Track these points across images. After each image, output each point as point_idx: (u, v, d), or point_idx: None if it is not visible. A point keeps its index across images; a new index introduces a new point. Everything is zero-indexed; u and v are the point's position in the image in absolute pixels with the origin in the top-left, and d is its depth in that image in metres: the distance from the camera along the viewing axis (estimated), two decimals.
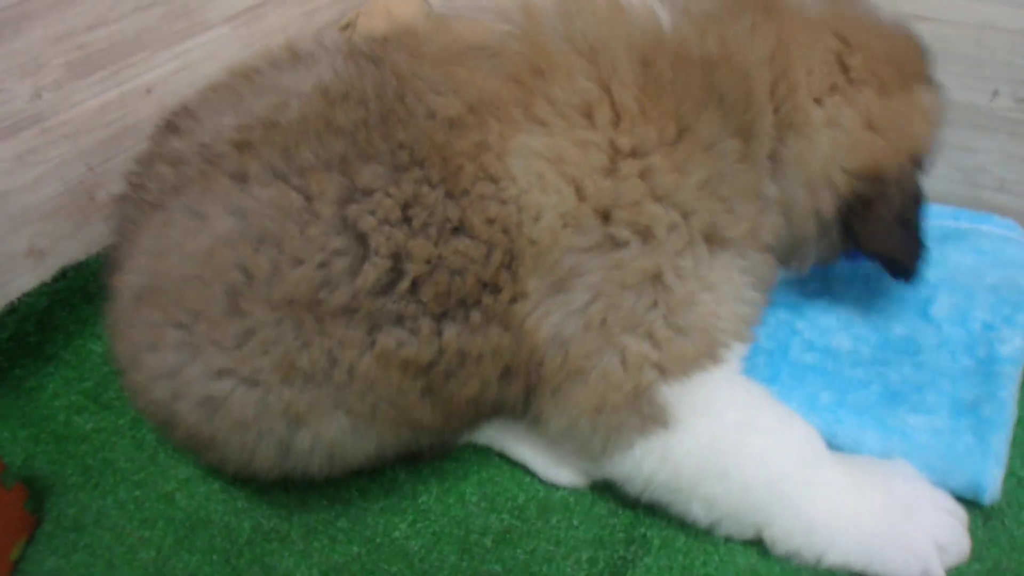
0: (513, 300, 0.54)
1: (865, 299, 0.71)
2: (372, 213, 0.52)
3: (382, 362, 0.53)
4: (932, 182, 0.79)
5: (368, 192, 0.52)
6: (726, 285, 0.56)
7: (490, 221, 0.53)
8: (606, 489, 0.61)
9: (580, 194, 0.53)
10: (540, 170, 0.53)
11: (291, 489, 0.61)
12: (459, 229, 0.53)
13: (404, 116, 0.54)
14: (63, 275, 0.76)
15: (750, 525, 0.55)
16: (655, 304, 0.54)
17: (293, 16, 0.92)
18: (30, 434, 0.69)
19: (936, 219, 0.76)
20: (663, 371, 0.54)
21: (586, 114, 0.54)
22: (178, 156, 0.58)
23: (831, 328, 0.69)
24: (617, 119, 0.54)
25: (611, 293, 0.53)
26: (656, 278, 0.54)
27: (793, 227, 0.61)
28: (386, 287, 0.52)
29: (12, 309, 0.73)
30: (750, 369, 0.65)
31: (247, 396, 0.53)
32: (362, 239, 0.52)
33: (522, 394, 0.57)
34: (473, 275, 0.53)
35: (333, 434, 0.55)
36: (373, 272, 0.52)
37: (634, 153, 0.54)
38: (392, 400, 0.55)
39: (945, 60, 0.74)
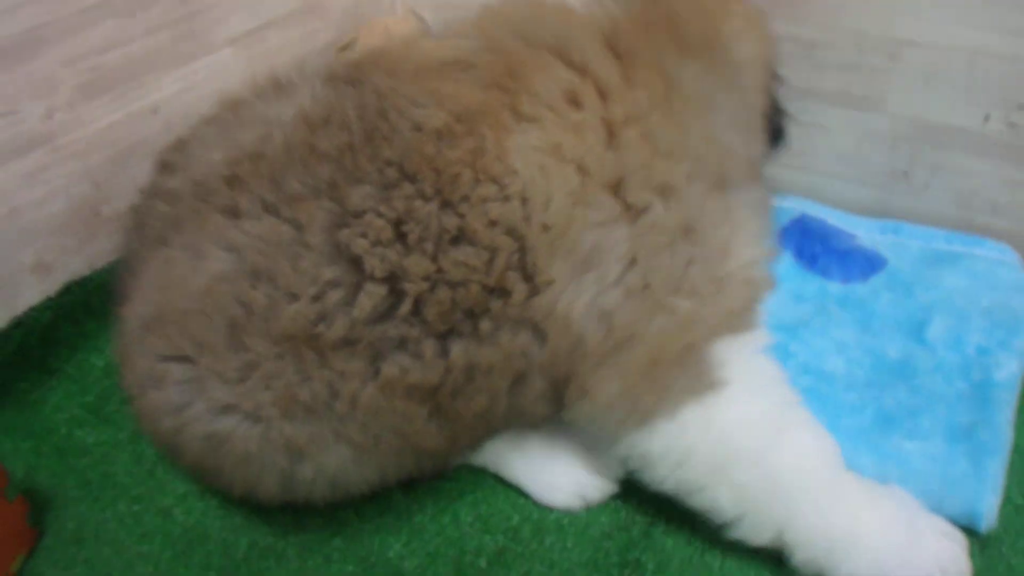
0: (533, 294, 0.53)
1: (859, 321, 0.71)
2: (364, 236, 0.52)
3: (386, 391, 0.53)
4: (925, 205, 0.81)
5: (358, 215, 0.52)
6: (747, 224, 0.57)
7: (492, 223, 0.52)
8: (601, 512, 0.61)
9: (586, 173, 0.53)
10: (541, 162, 0.53)
11: (288, 508, 0.62)
12: (458, 238, 0.52)
13: (388, 133, 0.54)
14: (68, 290, 0.78)
15: (772, 524, 0.54)
16: (692, 259, 0.54)
17: (294, 38, 0.94)
18: (32, 446, 0.70)
19: (930, 241, 0.76)
20: (712, 327, 0.54)
21: (572, 100, 0.54)
22: (174, 193, 0.59)
23: (825, 351, 0.69)
24: (603, 95, 0.55)
25: (647, 257, 0.53)
26: (688, 231, 0.54)
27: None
28: (385, 312, 0.52)
29: (18, 323, 0.74)
30: None
31: (250, 432, 0.54)
32: (356, 264, 0.52)
33: (542, 395, 0.56)
34: (477, 283, 0.52)
35: (335, 465, 0.56)
36: (369, 300, 0.52)
37: (628, 120, 0.54)
38: (396, 428, 0.55)
39: (937, 84, 0.75)
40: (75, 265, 0.78)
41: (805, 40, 0.79)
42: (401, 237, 0.52)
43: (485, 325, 0.53)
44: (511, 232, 0.53)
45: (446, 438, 0.57)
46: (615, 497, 0.62)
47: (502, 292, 0.53)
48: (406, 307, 0.52)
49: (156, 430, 0.58)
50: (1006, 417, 0.62)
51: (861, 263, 0.75)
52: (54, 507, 0.65)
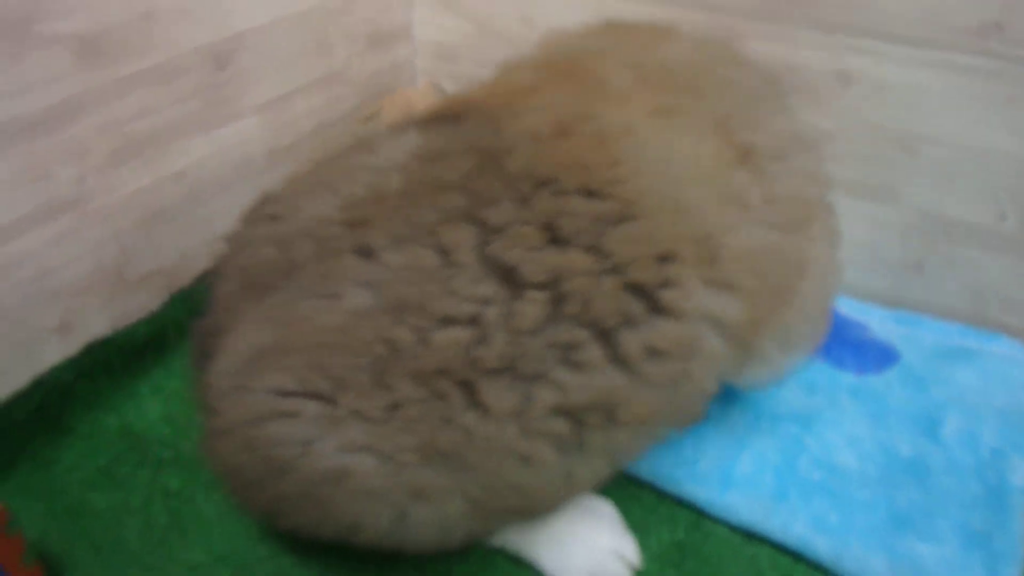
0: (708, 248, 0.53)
1: (872, 415, 0.71)
2: (516, 244, 0.51)
3: (529, 429, 0.52)
4: (938, 297, 0.82)
5: (503, 228, 0.52)
6: None
7: (644, 193, 0.52)
8: None
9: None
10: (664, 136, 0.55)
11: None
12: (619, 218, 0.52)
13: (509, 149, 0.54)
14: (88, 349, 0.79)
15: None
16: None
17: (318, 105, 0.96)
18: (45, 508, 0.70)
19: (944, 336, 0.77)
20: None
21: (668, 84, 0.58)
22: (284, 240, 0.58)
23: (838, 445, 0.69)
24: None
25: (785, 196, 0.57)
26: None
27: None
28: (549, 318, 0.51)
29: (39, 383, 0.75)
30: (758, 485, 0.66)
31: (380, 471, 0.52)
32: (511, 275, 0.51)
33: (718, 375, 0.55)
34: (649, 256, 0.52)
35: (454, 514, 0.54)
36: (532, 308, 0.50)
37: None
38: (516, 483, 0.54)
39: (953, 180, 0.76)
40: (97, 326, 0.80)
41: (824, 129, 0.80)
42: (554, 239, 0.52)
43: (667, 295, 0.52)
44: (669, 197, 0.53)
45: (567, 484, 0.55)
46: None
47: (674, 256, 0.52)
48: (572, 307, 0.51)
49: (247, 462, 0.55)
50: (1022, 525, 0.62)
51: (875, 355, 0.75)
52: (66, 572, 0.65)
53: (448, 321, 0.51)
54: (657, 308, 0.52)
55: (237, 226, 0.65)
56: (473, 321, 0.51)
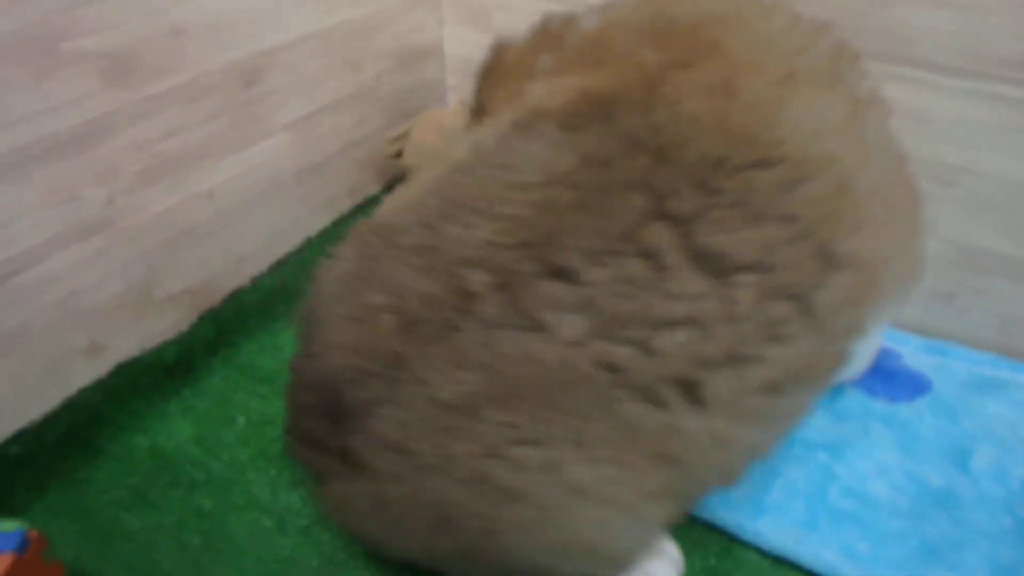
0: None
1: (902, 444, 0.72)
2: (717, 231, 0.51)
3: (746, 399, 0.52)
4: (967, 327, 0.82)
5: (694, 218, 0.51)
6: None
7: (809, 150, 0.53)
8: None
9: None
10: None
11: None
12: (795, 180, 0.52)
13: (674, 136, 0.53)
14: (118, 370, 0.79)
15: None
16: None
17: (346, 123, 0.96)
18: (78, 529, 0.71)
19: (975, 366, 0.77)
20: None
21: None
22: (440, 270, 0.54)
23: (869, 474, 0.69)
24: None
25: (882, 138, 0.60)
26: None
27: None
28: (759, 297, 0.51)
29: (69, 404, 0.75)
30: (788, 512, 0.66)
31: (620, 485, 0.52)
32: (718, 263, 0.51)
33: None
34: (825, 219, 0.52)
35: (661, 517, 0.55)
36: (747, 292, 0.50)
37: None
38: (718, 466, 0.55)
39: (987, 212, 0.76)
40: (126, 346, 0.80)
41: None
42: (751, 216, 0.52)
43: (843, 248, 0.53)
44: (824, 151, 0.54)
45: (753, 456, 0.56)
46: None
47: (841, 207, 0.54)
48: (778, 281, 0.51)
49: (484, 489, 0.52)
50: None
51: (907, 384, 0.76)
52: None
53: (669, 324, 0.50)
54: (838, 264, 0.53)
55: (348, 264, 0.59)
56: (692, 319, 0.50)
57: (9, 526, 0.64)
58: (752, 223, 0.51)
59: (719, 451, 0.53)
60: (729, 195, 0.51)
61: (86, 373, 0.77)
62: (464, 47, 1.02)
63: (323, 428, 0.58)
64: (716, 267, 0.51)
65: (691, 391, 0.51)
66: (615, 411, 0.51)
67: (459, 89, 1.06)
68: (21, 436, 0.72)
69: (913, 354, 0.79)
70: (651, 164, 0.53)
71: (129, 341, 0.80)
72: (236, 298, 0.90)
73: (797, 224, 0.52)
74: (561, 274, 0.51)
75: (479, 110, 0.76)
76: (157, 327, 0.81)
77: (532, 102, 0.61)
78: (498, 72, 0.74)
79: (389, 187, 1.06)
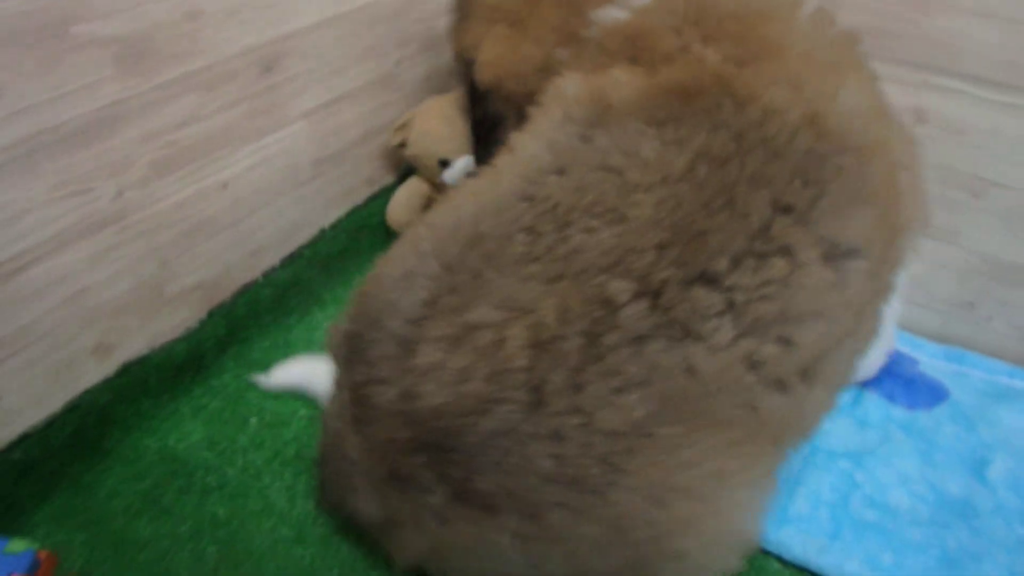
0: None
1: (922, 452, 0.73)
2: (829, 221, 0.53)
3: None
4: (986, 336, 0.83)
5: (810, 207, 0.52)
6: None
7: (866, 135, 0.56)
8: None
9: None
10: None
11: None
12: (870, 165, 0.54)
13: (769, 129, 0.53)
14: (125, 370, 0.75)
15: None
16: None
17: (364, 112, 0.92)
18: (87, 538, 0.68)
19: (993, 375, 0.78)
20: None
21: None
22: (575, 279, 0.52)
23: (890, 483, 0.70)
24: None
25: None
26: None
27: None
28: (869, 279, 0.55)
29: (74, 406, 0.71)
30: (812, 522, 0.67)
31: (753, 468, 0.55)
32: (835, 250, 0.53)
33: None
34: (896, 198, 0.56)
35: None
36: (856, 276, 0.54)
37: None
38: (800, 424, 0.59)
39: (1014, 225, 0.77)
40: (135, 345, 0.76)
41: None
42: (859, 201, 0.54)
43: (902, 220, 0.57)
44: (878, 135, 0.57)
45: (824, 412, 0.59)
46: None
47: (897, 183, 0.57)
48: (875, 258, 0.54)
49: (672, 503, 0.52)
50: None
51: (925, 392, 0.77)
52: None
53: (808, 317, 0.52)
54: (901, 232, 0.57)
55: (427, 280, 0.56)
56: (823, 310, 0.52)
57: (18, 547, 0.61)
58: (862, 207, 0.54)
59: (814, 417, 0.58)
60: (827, 185, 0.53)
61: (94, 374, 0.73)
62: None
63: (424, 467, 0.53)
64: (834, 256, 0.53)
65: (808, 373, 0.54)
66: (755, 407, 0.53)
67: None
68: (26, 440, 0.69)
69: (930, 360, 0.80)
70: (764, 159, 0.53)
71: (138, 339, 0.76)
72: (248, 293, 0.86)
73: (876, 207, 0.54)
74: (708, 278, 0.51)
75: (459, 52, 0.76)
76: (166, 324, 0.78)
77: (581, 94, 0.59)
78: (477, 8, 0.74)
79: (403, 177, 1.03)
